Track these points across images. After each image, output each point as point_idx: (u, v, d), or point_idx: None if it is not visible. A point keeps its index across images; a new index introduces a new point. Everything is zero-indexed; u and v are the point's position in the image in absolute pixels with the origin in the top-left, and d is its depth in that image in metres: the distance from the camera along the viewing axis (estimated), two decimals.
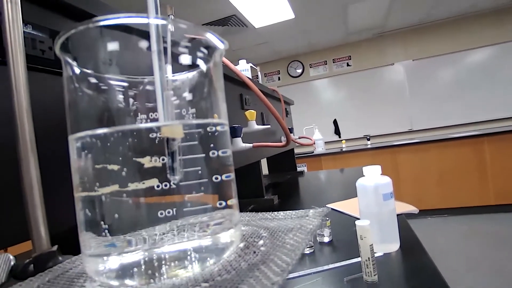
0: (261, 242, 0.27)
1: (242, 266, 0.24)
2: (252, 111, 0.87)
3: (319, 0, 2.68)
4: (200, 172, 0.25)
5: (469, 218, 2.88)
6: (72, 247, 0.32)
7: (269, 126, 1.02)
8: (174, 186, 0.24)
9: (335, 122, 4.08)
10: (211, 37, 0.29)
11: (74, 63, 0.26)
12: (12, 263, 0.27)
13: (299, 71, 4.27)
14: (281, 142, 1.18)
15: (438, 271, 0.46)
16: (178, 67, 0.28)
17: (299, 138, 1.63)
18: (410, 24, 3.63)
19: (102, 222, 0.24)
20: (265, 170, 1.92)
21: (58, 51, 0.26)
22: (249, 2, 2.52)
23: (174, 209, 0.24)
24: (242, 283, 0.21)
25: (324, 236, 0.57)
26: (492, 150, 2.90)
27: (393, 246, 0.53)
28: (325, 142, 3.67)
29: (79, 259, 0.30)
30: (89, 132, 0.24)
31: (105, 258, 0.24)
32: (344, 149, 3.44)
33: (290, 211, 0.34)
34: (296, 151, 2.41)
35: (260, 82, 1.41)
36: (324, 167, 3.36)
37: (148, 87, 0.27)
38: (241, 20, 2.85)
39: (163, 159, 0.23)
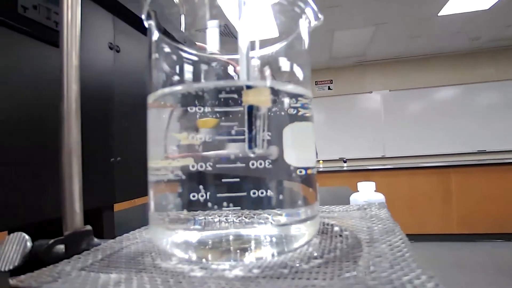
0: (336, 228, 0.25)
1: (341, 246, 0.21)
2: None
3: None
4: (277, 154, 0.23)
5: (433, 244, 2.99)
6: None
7: None
8: (256, 167, 0.21)
9: None
10: (308, 9, 0.26)
11: (156, 30, 0.26)
12: (28, 243, 0.23)
13: None
14: None
15: None
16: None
17: None
18: (389, 56, 3.86)
19: (178, 197, 0.21)
20: None
21: (144, 17, 0.26)
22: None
23: (251, 192, 0.21)
24: (362, 253, 0.18)
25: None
26: (458, 181, 3.07)
27: None
28: None
29: (126, 239, 0.26)
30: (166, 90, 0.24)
31: (181, 232, 0.21)
32: (321, 169, 3.50)
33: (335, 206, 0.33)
34: None
35: None
36: None
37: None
38: (231, 32, 2.88)
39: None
